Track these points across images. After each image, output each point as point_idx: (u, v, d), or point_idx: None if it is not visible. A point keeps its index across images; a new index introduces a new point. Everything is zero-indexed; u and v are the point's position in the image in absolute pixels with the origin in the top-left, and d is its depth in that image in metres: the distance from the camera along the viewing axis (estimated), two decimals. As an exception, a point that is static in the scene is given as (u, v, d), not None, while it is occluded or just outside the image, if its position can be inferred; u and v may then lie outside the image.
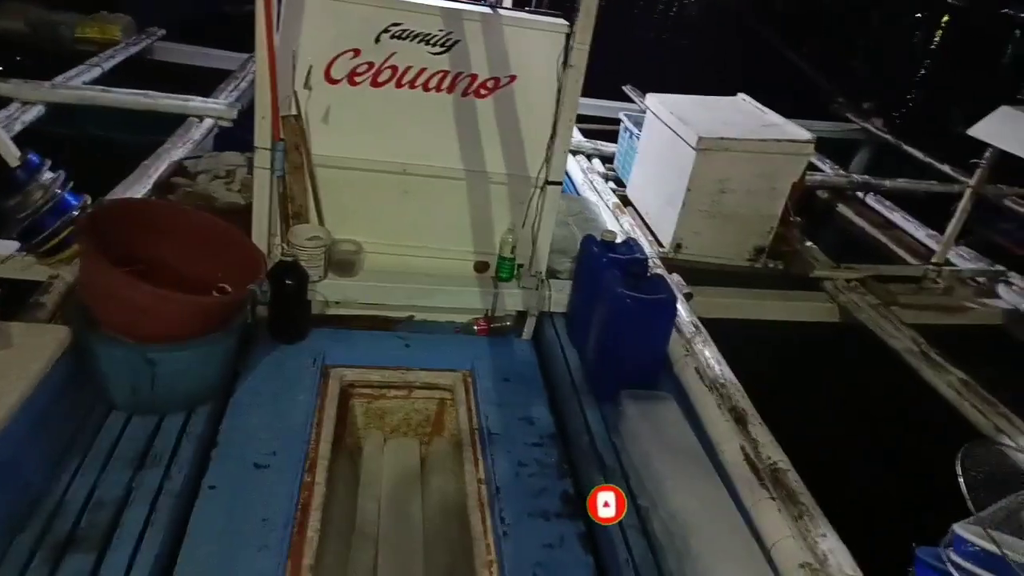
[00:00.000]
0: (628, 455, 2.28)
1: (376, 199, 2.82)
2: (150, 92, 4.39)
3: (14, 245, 2.64)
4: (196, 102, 4.40)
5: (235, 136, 4.09)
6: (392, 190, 2.81)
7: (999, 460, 1.87)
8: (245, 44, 4.99)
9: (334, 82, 2.62)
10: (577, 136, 5.16)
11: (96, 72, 4.74)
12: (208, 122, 4.26)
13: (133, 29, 5.67)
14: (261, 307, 2.62)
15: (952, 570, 1.64)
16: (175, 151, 3.76)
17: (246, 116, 4.18)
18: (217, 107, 4.40)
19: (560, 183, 2.84)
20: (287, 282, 2.55)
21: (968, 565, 1.63)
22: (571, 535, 2.06)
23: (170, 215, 2.57)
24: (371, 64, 2.61)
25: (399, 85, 2.65)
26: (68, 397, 2.09)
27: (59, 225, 2.59)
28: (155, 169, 3.47)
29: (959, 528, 1.70)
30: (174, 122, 4.20)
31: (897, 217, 4.94)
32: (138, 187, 3.28)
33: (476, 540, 2.02)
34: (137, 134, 4.22)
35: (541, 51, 2.66)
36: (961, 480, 1.76)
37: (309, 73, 2.58)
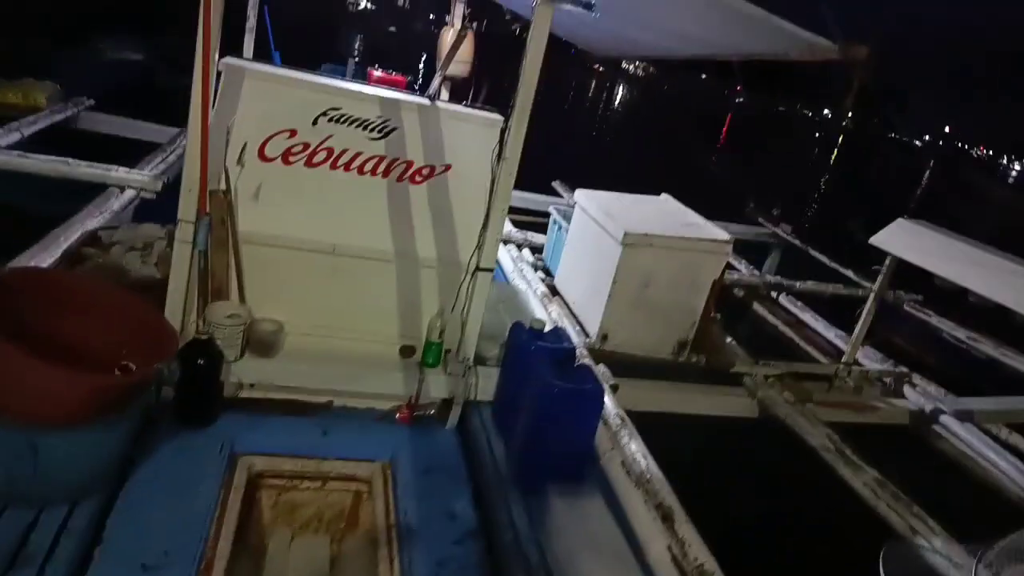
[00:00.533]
0: (553, 553, 2.18)
1: (303, 278, 2.75)
2: (70, 160, 4.22)
3: None
4: (119, 172, 4.26)
5: (157, 209, 3.95)
6: (320, 270, 2.75)
7: (918, 561, 1.90)
8: (177, 118, 4.93)
9: (268, 160, 2.60)
10: (508, 226, 5.27)
11: (15, 137, 4.56)
12: (129, 193, 4.12)
13: (59, 97, 5.54)
14: (167, 388, 2.45)
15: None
16: (90, 220, 3.59)
17: (171, 189, 4.08)
18: (141, 178, 4.27)
19: (491, 269, 2.85)
20: (199, 362, 2.40)
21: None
22: (492, 642, 1.93)
23: (75, 287, 2.41)
24: (307, 145, 2.61)
25: (334, 167, 2.65)
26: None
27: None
28: (65, 238, 3.29)
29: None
30: (92, 192, 4.03)
31: (807, 317, 5.21)
32: (44, 255, 3.09)
33: (389, 650, 1.87)
34: (55, 203, 4.02)
35: (476, 143, 2.73)
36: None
37: (243, 149, 2.55)
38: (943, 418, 4.04)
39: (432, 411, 2.84)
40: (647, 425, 2.81)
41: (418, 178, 2.72)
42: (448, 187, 2.76)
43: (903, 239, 4.12)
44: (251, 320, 2.68)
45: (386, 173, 2.69)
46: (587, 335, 3.84)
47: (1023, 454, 3.95)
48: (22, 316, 2.10)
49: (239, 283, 2.70)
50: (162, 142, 5.16)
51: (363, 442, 2.63)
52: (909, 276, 4.32)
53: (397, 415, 2.80)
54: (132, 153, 4.78)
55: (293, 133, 2.58)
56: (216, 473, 2.29)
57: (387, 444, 2.64)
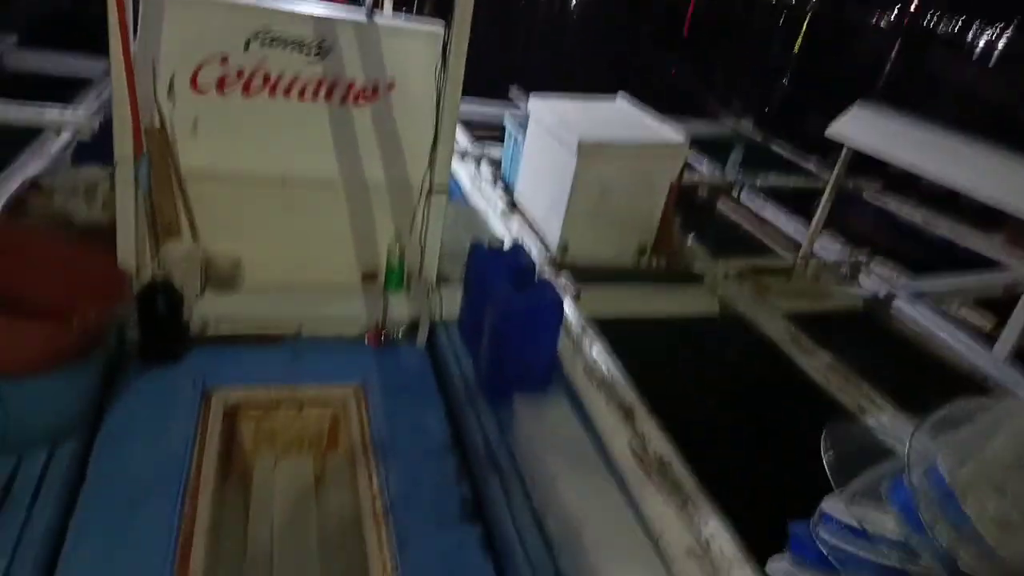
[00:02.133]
0: (523, 457, 2.30)
1: (255, 211, 2.72)
2: (-2, 102, 4.03)
3: None
4: (52, 113, 4.08)
5: (96, 149, 3.82)
6: (272, 201, 2.72)
7: (859, 437, 2.01)
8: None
9: (201, 91, 2.51)
10: (465, 141, 5.18)
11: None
12: (65, 135, 3.96)
13: (-23, 37, 5.20)
14: (133, 331, 2.46)
15: (820, 545, 1.74)
16: (28, 167, 3.47)
17: (108, 128, 3.94)
18: (76, 118, 4.10)
19: (445, 190, 2.84)
20: (158, 302, 2.41)
21: (834, 540, 1.74)
22: (469, 540, 2.06)
23: (20, 239, 2.37)
24: (241, 72, 2.52)
25: (272, 93, 2.57)
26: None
27: None
28: (6, 188, 3.19)
29: (824, 504, 1.82)
30: (29, 136, 3.87)
31: (768, 213, 5.28)
32: (-16, 207, 3.00)
33: (372, 556, 1.99)
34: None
35: (419, 57, 2.65)
36: (824, 458, 1.88)
37: (172, 81, 2.46)
38: (897, 301, 4.19)
39: (399, 333, 2.90)
40: (610, 330, 2.90)
41: (361, 100, 2.66)
42: (393, 106, 2.69)
43: (859, 127, 4.14)
44: (207, 257, 2.66)
45: (328, 96, 2.61)
46: (548, 248, 3.88)
47: (973, 328, 4.15)
48: (-31, 272, 2.08)
49: (190, 220, 2.66)
50: (94, 77, 4.92)
51: (334, 367, 2.69)
52: (870, 161, 4.36)
53: (366, 339, 2.85)
54: (66, 91, 4.56)
55: (224, 60, 2.48)
56: (191, 408, 2.34)
57: (358, 367, 2.70)
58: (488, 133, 5.44)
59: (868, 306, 4.26)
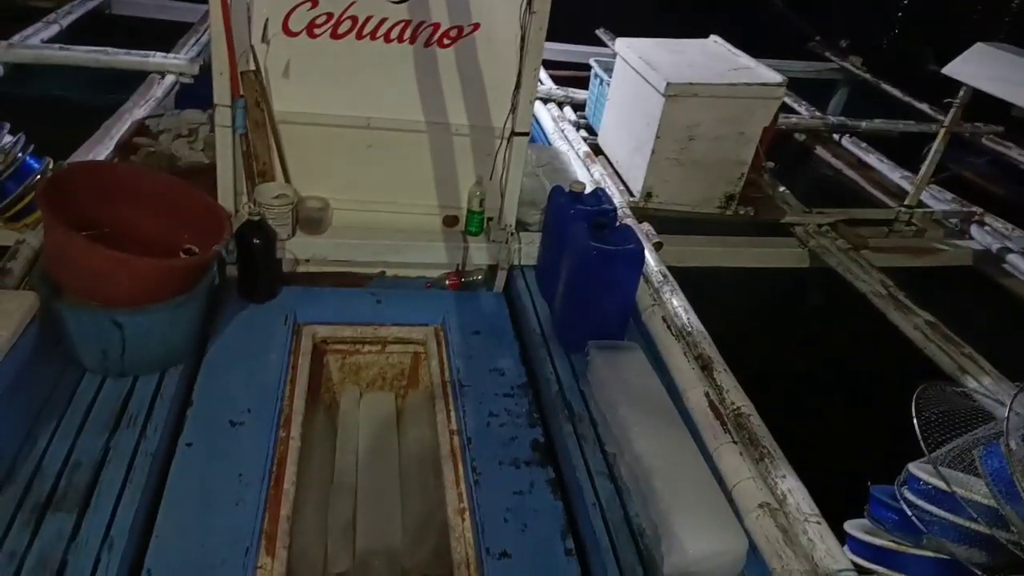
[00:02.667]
0: (596, 403, 2.33)
1: (341, 155, 2.79)
2: (109, 49, 4.26)
3: (-23, 211, 2.61)
4: (156, 58, 4.28)
5: (197, 92, 3.99)
6: (357, 145, 2.78)
7: (953, 401, 1.92)
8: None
9: (292, 34, 2.56)
10: (548, 83, 5.09)
11: (54, 29, 4.59)
12: (169, 79, 4.15)
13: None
14: (231, 267, 2.62)
15: (904, 507, 1.70)
16: (136, 110, 3.67)
17: (207, 72, 4.11)
18: (178, 63, 4.29)
19: (527, 134, 2.82)
20: (255, 241, 2.54)
21: (919, 502, 1.69)
22: (541, 481, 2.12)
23: (133, 178, 2.54)
24: (330, 15, 2.55)
25: (360, 36, 2.60)
26: (39, 362, 2.11)
27: (22, 190, 2.57)
28: (117, 129, 3.40)
29: (912, 467, 1.76)
30: (135, 79, 4.09)
31: (872, 159, 4.95)
32: (100, 148, 3.21)
33: (448, 489, 2.08)
34: (97, 93, 4.12)
35: (504, -3, 2.60)
36: (915, 420, 1.81)
37: (267, 25, 2.52)
38: (1012, 256, 3.89)
39: (479, 277, 2.95)
40: (691, 281, 2.85)
41: (446, 41, 2.64)
42: (477, 48, 2.67)
43: (981, 66, 3.77)
44: (298, 199, 2.78)
45: (413, 39, 2.62)
46: (631, 194, 3.81)
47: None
48: (87, 209, 2.25)
49: (282, 163, 2.77)
50: (194, 21, 5.11)
51: (415, 308, 2.78)
52: (990, 105, 4.00)
53: (447, 282, 2.92)
54: (168, 35, 4.76)
55: (314, 3, 2.51)
56: (284, 341, 2.49)
57: (438, 309, 2.78)
58: (573, 75, 5.31)
59: (978, 261, 3.98)
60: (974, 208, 4.30)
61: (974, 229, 4.19)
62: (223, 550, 1.77)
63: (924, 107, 5.61)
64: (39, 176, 2.59)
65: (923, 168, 4.09)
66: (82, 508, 1.79)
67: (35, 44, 4.32)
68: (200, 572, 1.72)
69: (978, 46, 3.90)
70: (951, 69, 3.82)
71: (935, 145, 4.03)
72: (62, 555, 1.67)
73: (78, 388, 2.16)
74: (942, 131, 4.02)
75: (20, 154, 2.56)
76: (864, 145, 5.12)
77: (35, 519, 1.75)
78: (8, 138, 2.55)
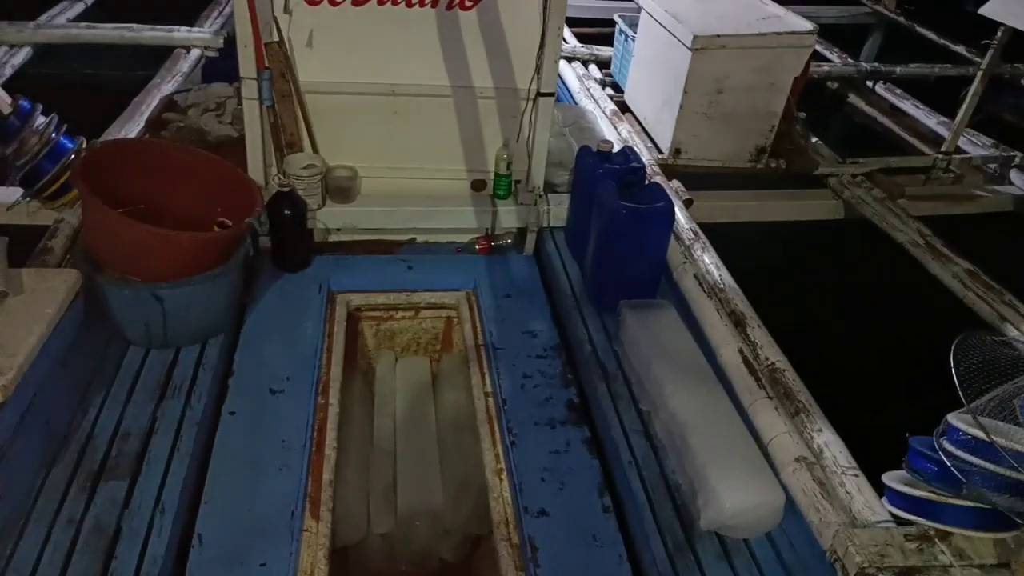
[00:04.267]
0: (629, 362, 2.34)
1: (367, 123, 2.79)
2: (134, 25, 4.28)
3: (17, 192, 2.67)
4: (181, 32, 4.29)
5: (222, 66, 4.00)
6: (382, 113, 2.77)
7: (993, 350, 1.88)
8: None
9: (314, 3, 2.55)
10: (572, 42, 4.99)
11: (80, 7, 4.62)
12: (195, 53, 4.17)
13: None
14: (264, 239, 2.66)
15: (944, 458, 1.68)
16: (164, 85, 3.70)
17: (232, 44, 4.11)
18: (202, 36, 4.30)
19: (553, 94, 2.78)
20: (286, 212, 2.57)
21: (959, 452, 1.67)
22: (576, 440, 2.15)
23: (165, 154, 2.57)
24: (351, -20, 2.52)
25: (381, 2, 2.57)
26: (85, 337, 2.18)
27: (57, 170, 2.62)
28: (146, 106, 3.44)
29: (951, 417, 1.74)
30: (161, 55, 4.11)
31: (907, 105, 4.78)
32: (131, 125, 3.26)
33: (485, 450, 2.12)
34: (125, 70, 4.15)
35: (524, -46, 2.55)
36: (954, 371, 1.79)
37: (288, -6, 2.51)
38: (1054, 201, 3.77)
39: (509, 240, 2.95)
40: (723, 236, 2.81)
41: (468, 2, 2.60)
42: (500, 8, 2.62)
43: (1019, 4, 3.61)
44: (327, 168, 2.79)
45: (434, 2, 2.58)
46: (660, 151, 3.75)
47: None
48: (122, 186, 2.29)
49: (309, 134, 2.78)
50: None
51: (447, 273, 2.81)
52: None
53: (477, 246, 2.93)
54: (191, 8, 4.76)
55: (335, -30, 2.49)
56: (318, 310, 2.54)
57: (469, 274, 2.80)
58: (597, 31, 5.20)
59: (1019, 206, 3.85)
60: (1014, 152, 4.14)
61: (1014, 174, 4.05)
62: (270, 514, 1.84)
63: (960, 49, 5.38)
64: (74, 155, 2.63)
65: (960, 113, 3.94)
66: (133, 476, 1.87)
67: (61, 24, 4.35)
68: (249, 535, 1.78)
69: (1021, -18, 3.72)
70: (989, 8, 3.65)
71: (973, 88, 3.88)
72: (116, 521, 1.75)
73: (124, 360, 2.23)
74: (980, 73, 3.87)
75: (54, 134, 2.60)
76: (899, 91, 4.95)
77: (89, 487, 1.83)
78: (42, 119, 2.60)
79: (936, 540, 1.67)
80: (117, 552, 1.68)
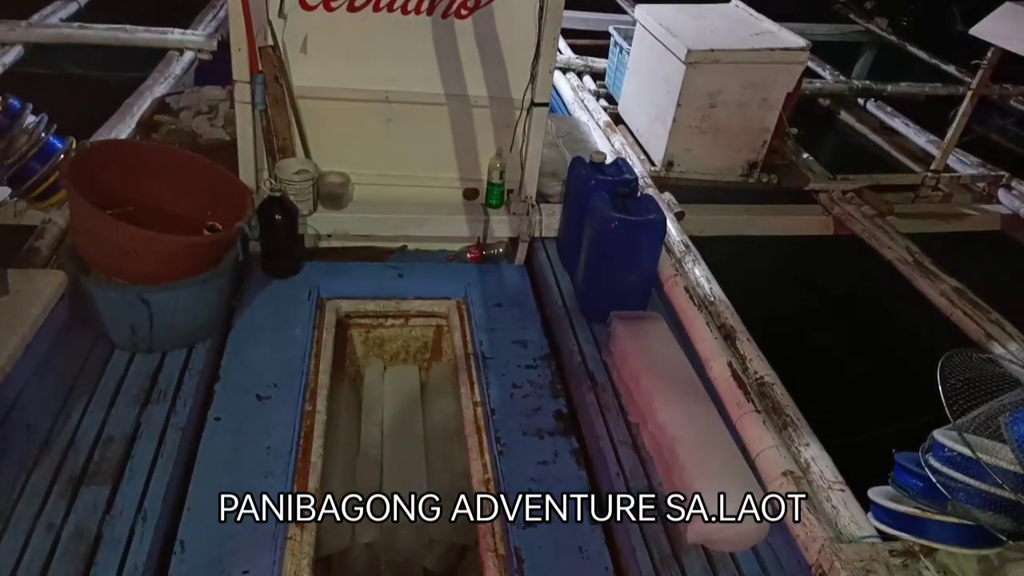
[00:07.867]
0: (618, 373, 2.33)
1: (361, 129, 2.79)
2: (127, 26, 4.27)
3: (5, 191, 2.65)
4: (175, 35, 4.29)
5: (216, 69, 3.99)
6: (376, 119, 2.77)
7: (979, 368, 1.89)
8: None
9: (310, 8, 2.55)
10: (567, 53, 5.02)
11: (72, 8, 4.60)
12: (188, 55, 4.16)
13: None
14: (254, 243, 2.64)
15: (929, 474, 1.69)
16: (156, 87, 3.69)
17: (225, 48, 4.10)
18: (196, 39, 4.29)
19: (547, 104, 2.79)
20: (276, 217, 2.55)
21: (945, 469, 1.68)
22: (565, 451, 2.14)
23: (156, 156, 2.56)
24: (347, -13, 2.53)
25: (377, 8, 2.57)
26: (69, 339, 2.15)
27: (46, 170, 2.60)
28: (137, 107, 3.42)
29: (937, 434, 1.75)
30: (154, 57, 4.10)
31: (898, 123, 4.84)
32: (122, 127, 3.24)
33: (473, 459, 2.11)
34: (117, 71, 4.13)
35: (521, -35, 2.56)
36: (940, 388, 1.80)
37: (283, 0, 2.51)
38: (1040, 221, 3.81)
39: (500, 249, 2.95)
40: (714, 250, 2.82)
41: (463, 11, 2.61)
42: (495, 18, 2.63)
43: (1011, 26, 3.66)
44: (319, 174, 2.78)
45: (430, 10, 2.58)
46: (652, 163, 3.76)
47: None
48: (112, 188, 2.28)
49: (302, 139, 2.77)
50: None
51: (437, 282, 2.79)
52: (1020, 66, 3.88)
53: (468, 255, 2.92)
54: (185, 11, 4.75)
55: (332, -25, 2.49)
56: (307, 316, 2.52)
57: (460, 282, 2.79)
58: (592, 43, 5.23)
59: (1006, 225, 3.89)
60: (1001, 172, 4.20)
61: (1001, 193, 4.10)
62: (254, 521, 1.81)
63: (951, 69, 5.46)
64: (63, 156, 2.61)
65: (950, 132, 4.00)
66: (116, 481, 1.84)
67: (54, 23, 4.33)
68: (232, 543, 1.76)
69: (1007, 5, 3.77)
70: (979, 29, 3.71)
71: (962, 108, 3.93)
72: (97, 527, 1.72)
73: (108, 364, 2.20)
74: (969, 93, 3.92)
75: (44, 134, 2.58)
76: (889, 109, 5.01)
77: (71, 491, 1.80)
78: (31, 118, 2.58)
79: (921, 556, 1.67)
80: (97, 558, 1.66)
